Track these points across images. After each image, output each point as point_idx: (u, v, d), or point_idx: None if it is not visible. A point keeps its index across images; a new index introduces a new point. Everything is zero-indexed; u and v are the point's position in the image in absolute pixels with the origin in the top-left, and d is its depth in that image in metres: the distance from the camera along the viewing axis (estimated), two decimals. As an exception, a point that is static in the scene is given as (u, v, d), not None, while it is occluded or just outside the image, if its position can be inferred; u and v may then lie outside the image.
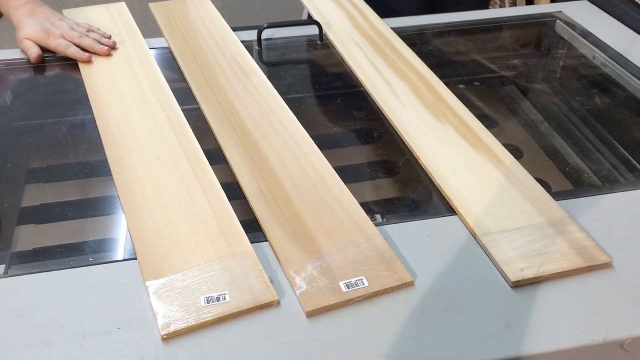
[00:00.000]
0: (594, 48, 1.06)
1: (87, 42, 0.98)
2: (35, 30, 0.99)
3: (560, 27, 1.14)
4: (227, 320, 0.58)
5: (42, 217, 0.77)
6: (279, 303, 0.60)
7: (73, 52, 0.98)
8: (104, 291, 0.62)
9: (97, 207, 0.77)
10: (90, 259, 0.67)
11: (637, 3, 1.15)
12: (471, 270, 0.64)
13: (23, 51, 1.00)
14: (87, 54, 0.97)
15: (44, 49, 1.00)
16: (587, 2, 1.20)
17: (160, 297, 0.60)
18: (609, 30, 1.10)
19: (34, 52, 0.98)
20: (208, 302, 0.59)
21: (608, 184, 0.81)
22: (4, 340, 0.57)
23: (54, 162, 0.85)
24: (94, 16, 1.09)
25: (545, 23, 1.17)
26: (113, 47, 1.00)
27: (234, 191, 0.73)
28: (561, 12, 1.17)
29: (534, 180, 0.75)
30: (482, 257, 0.66)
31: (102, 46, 0.98)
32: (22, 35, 0.99)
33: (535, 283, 0.63)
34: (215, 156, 0.79)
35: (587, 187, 0.81)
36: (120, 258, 0.67)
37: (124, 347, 0.56)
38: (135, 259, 0.64)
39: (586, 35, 1.09)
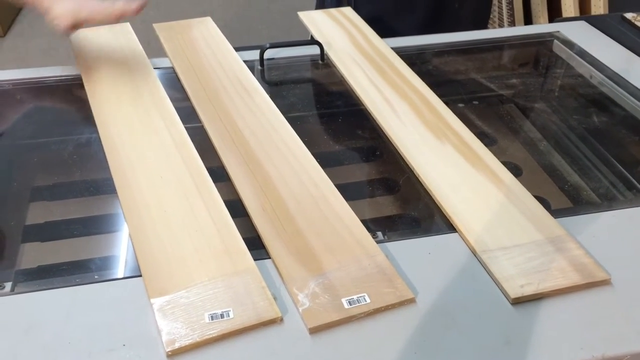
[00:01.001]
0: (591, 67, 1.07)
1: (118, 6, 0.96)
2: (65, 8, 0.98)
3: (557, 46, 1.16)
4: (230, 336, 0.59)
5: (46, 235, 0.77)
6: (281, 319, 0.61)
7: (117, 8, 0.95)
8: (109, 308, 0.62)
9: (101, 225, 0.78)
10: (95, 276, 0.68)
11: (633, 23, 1.17)
12: (471, 286, 0.65)
13: (55, 30, 0.97)
14: (136, 4, 0.95)
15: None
16: (584, 22, 1.21)
17: (164, 314, 0.60)
18: (606, 49, 1.11)
19: (66, 20, 0.95)
20: (212, 319, 0.60)
21: (606, 202, 0.82)
22: (10, 358, 0.57)
23: (58, 180, 0.86)
24: (99, 36, 1.10)
25: (543, 42, 1.18)
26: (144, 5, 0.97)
27: (236, 209, 0.74)
28: (559, 31, 1.18)
29: (533, 198, 0.76)
30: (482, 274, 0.67)
31: (132, 7, 0.96)
32: (54, 13, 0.97)
33: (535, 299, 0.63)
34: (219, 174, 0.80)
35: (585, 205, 0.82)
36: (124, 275, 0.68)
37: (129, 364, 0.57)
38: (140, 276, 0.65)
39: (583, 54, 1.11)
